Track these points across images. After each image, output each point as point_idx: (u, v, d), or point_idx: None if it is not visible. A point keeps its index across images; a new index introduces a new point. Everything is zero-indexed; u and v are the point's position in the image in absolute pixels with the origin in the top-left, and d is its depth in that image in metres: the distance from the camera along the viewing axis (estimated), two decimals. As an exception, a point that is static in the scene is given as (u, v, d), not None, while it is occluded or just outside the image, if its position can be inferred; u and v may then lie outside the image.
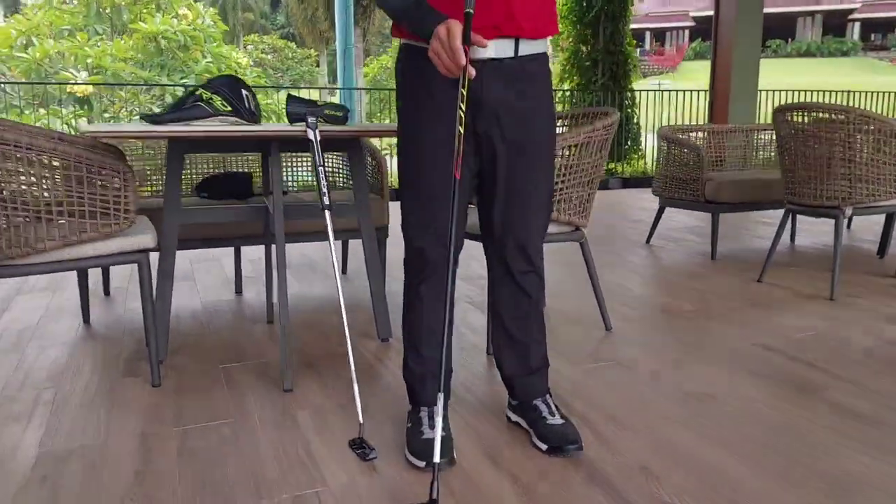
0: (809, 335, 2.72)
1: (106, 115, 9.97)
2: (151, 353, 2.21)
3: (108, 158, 2.00)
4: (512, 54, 1.65)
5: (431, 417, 1.81)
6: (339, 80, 10.80)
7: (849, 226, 5.20)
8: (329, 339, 2.69)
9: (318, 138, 1.82)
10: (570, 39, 9.52)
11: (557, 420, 1.79)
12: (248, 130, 1.91)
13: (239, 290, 3.41)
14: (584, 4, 9.21)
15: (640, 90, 9.59)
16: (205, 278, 3.71)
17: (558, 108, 9.74)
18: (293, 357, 2.48)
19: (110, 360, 2.47)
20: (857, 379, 2.26)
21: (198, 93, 2.02)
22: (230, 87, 2.01)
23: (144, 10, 11.65)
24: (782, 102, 8.90)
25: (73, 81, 9.72)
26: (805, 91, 10.00)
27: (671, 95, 9.54)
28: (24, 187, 1.98)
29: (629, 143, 9.59)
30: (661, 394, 2.14)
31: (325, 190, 1.80)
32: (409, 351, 1.84)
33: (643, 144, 9.83)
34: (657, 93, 9.46)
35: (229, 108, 1.99)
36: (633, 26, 9.89)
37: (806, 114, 3.23)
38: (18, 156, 1.94)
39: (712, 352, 2.53)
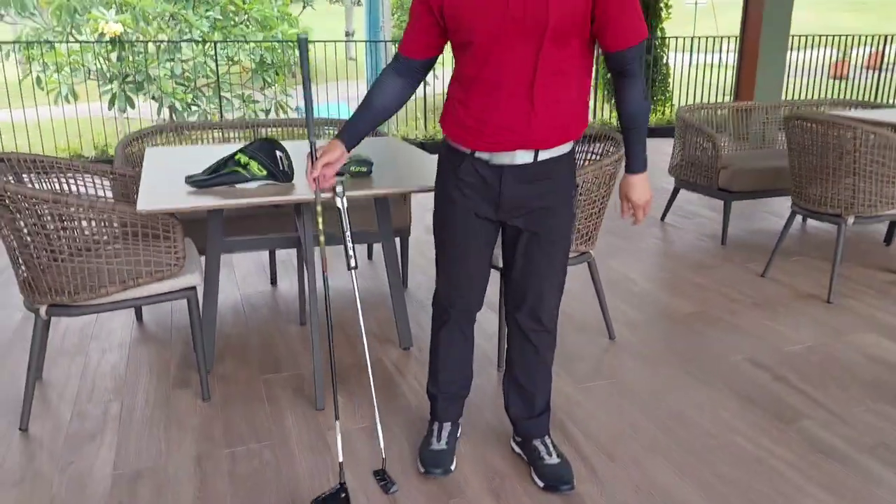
0: (799, 349, 2.93)
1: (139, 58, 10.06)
2: (201, 370, 2.51)
3: (161, 216, 2.24)
4: (531, 161, 1.80)
5: (440, 431, 2.15)
6: (364, 32, 10.69)
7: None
8: (356, 347, 2.98)
9: (346, 205, 2.03)
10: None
11: (554, 460, 2.07)
12: (283, 200, 2.13)
13: (274, 282, 3.69)
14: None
15: (670, 37, 9.38)
16: (241, 264, 4.00)
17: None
18: (324, 369, 2.77)
19: (163, 367, 2.78)
20: (835, 407, 2.49)
21: (236, 157, 2.22)
22: (265, 151, 2.21)
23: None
24: (818, 49, 8.63)
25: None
26: (845, 35, 9.66)
27: (703, 42, 9.31)
28: (88, 242, 2.23)
29: (657, 86, 9.48)
30: (650, 418, 2.40)
31: (351, 252, 2.02)
32: (430, 374, 2.16)
33: (672, 87, 9.70)
34: (691, 39, 9.25)
35: (265, 172, 2.19)
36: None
37: (816, 123, 3.32)
38: (83, 217, 2.18)
39: (705, 366, 2.77)
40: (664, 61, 9.52)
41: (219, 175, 2.21)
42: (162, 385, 2.66)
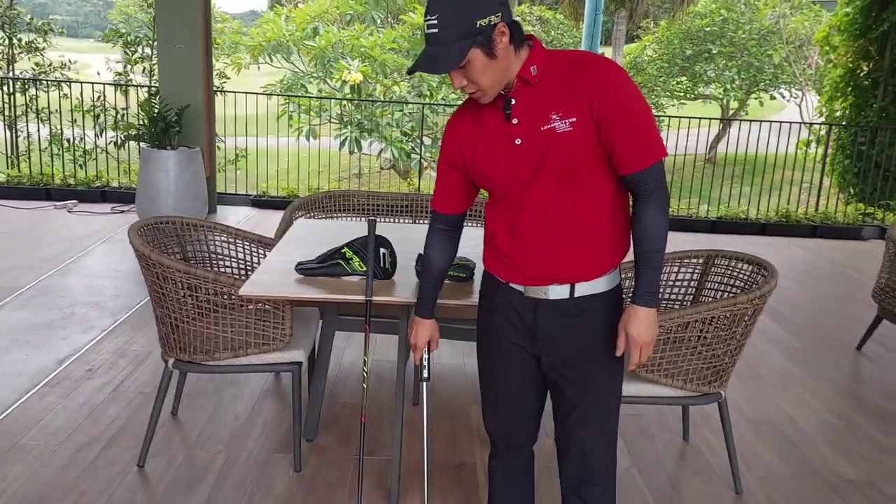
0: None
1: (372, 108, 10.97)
2: (295, 443, 2.63)
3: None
4: (567, 296, 1.69)
5: None
6: None
7: None
8: (455, 443, 2.92)
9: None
10: (848, 55, 8.39)
11: None
12: (343, 299, 2.19)
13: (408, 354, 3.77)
14: (872, 17, 8.02)
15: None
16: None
17: (820, 130, 8.68)
18: (413, 460, 2.75)
19: (276, 427, 2.96)
20: None
21: (342, 251, 2.32)
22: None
23: (415, 1, 12.47)
24: None
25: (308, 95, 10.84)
26: None
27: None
28: (209, 308, 2.46)
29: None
30: None
31: (426, 363, 1.99)
32: None
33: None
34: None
35: (365, 269, 2.27)
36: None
37: None
38: (207, 287, 2.42)
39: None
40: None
41: (324, 266, 2.32)
42: (268, 445, 2.82)
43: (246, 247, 2.99)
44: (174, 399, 3.00)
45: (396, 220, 3.63)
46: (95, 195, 6.70)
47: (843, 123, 8.44)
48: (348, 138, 10.98)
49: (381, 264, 2.32)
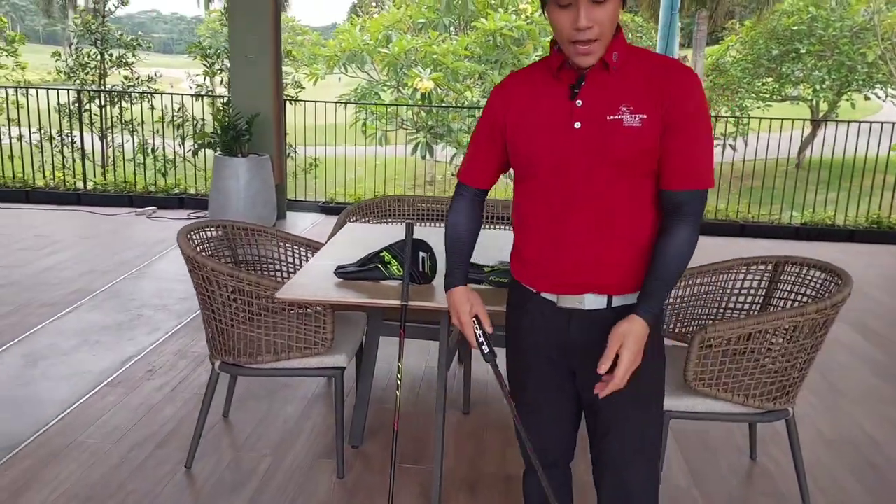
0: None
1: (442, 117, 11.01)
2: (338, 449, 2.59)
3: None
4: (604, 306, 1.58)
5: None
6: None
7: None
8: (505, 454, 2.82)
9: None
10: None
11: None
12: (376, 304, 2.14)
13: (462, 359, 3.69)
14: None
15: None
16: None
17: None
18: (458, 469, 2.67)
19: (323, 431, 2.94)
20: None
21: (381, 254, 2.28)
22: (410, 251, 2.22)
23: (487, 7, 12.44)
24: None
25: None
26: None
27: None
28: (254, 313, 2.47)
29: None
30: None
31: (481, 339, 1.81)
32: None
33: None
34: None
35: (401, 273, 2.21)
36: None
37: None
38: (252, 291, 2.42)
39: None
40: None
41: (363, 270, 2.28)
42: (314, 449, 2.80)
43: (295, 251, 2.99)
44: (225, 401, 3.03)
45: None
46: (174, 202, 6.96)
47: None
48: (420, 143, 11.04)
49: (421, 268, 2.25)
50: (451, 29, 13.05)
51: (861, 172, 7.62)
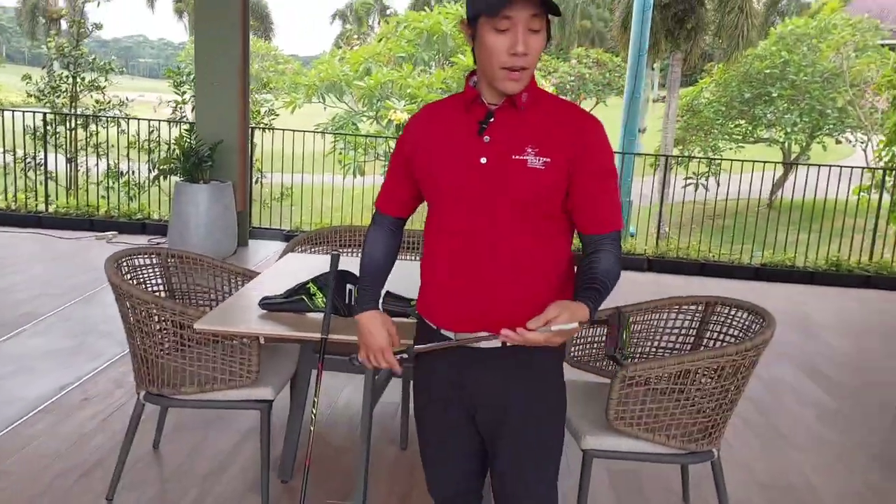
0: None
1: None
2: (263, 484, 2.54)
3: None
4: (499, 345, 1.55)
5: None
6: (619, 135, 10.53)
7: None
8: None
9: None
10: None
11: None
12: (294, 337, 2.11)
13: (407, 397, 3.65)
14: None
15: None
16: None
17: (875, 175, 8.25)
18: (390, 508, 2.62)
19: (253, 465, 2.87)
20: None
21: (307, 285, 2.26)
22: (336, 283, 2.20)
23: (467, 44, 12.62)
24: None
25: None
26: None
27: None
28: (178, 343, 2.43)
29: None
30: None
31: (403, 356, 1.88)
32: None
33: None
34: None
35: (324, 306, 2.19)
36: None
37: None
38: (173, 320, 2.39)
39: None
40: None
41: (287, 302, 2.26)
42: (242, 483, 2.74)
43: (232, 280, 2.96)
44: (156, 432, 2.96)
45: (400, 257, 3.55)
46: (136, 227, 6.90)
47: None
48: (393, 175, 11.08)
49: (347, 300, 2.24)
50: (431, 63, 13.21)
51: (832, 215, 7.75)
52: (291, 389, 2.92)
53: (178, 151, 5.85)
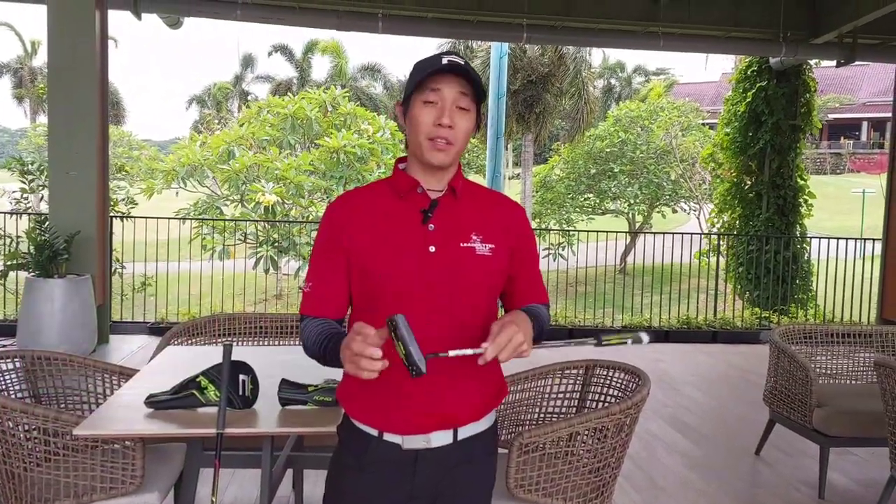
0: None
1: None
2: None
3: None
4: (451, 441, 1.53)
5: None
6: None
7: None
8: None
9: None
10: (732, 170, 9.02)
11: None
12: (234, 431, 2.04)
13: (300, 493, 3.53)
14: (749, 136, 8.70)
15: (813, 236, 8.74)
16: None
17: (711, 240, 9.18)
18: None
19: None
20: None
21: (197, 380, 2.19)
22: (229, 374, 2.15)
23: (331, 128, 12.83)
24: None
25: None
26: None
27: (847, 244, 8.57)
28: (50, 453, 2.25)
29: (797, 285, 8.71)
30: None
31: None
32: None
33: (816, 288, 8.88)
34: (828, 241, 8.57)
35: (217, 399, 2.13)
36: (849, 115, 9.15)
37: (912, 373, 2.77)
38: (45, 429, 2.21)
39: None
40: (805, 258, 8.83)
41: (177, 398, 2.18)
42: None
43: (107, 380, 2.79)
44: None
45: (282, 342, 3.49)
46: (-22, 328, 6.28)
47: (735, 233, 8.94)
48: (263, 257, 10.87)
49: (241, 392, 2.19)
50: (297, 146, 13.26)
51: (678, 277, 8.47)
52: (176, 492, 2.76)
53: (30, 245, 5.46)
